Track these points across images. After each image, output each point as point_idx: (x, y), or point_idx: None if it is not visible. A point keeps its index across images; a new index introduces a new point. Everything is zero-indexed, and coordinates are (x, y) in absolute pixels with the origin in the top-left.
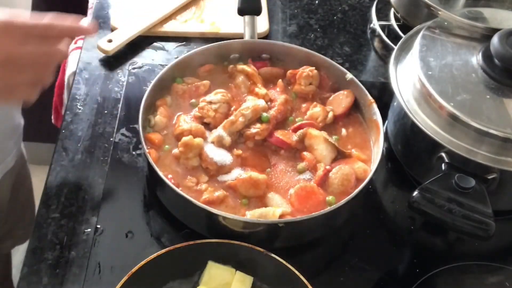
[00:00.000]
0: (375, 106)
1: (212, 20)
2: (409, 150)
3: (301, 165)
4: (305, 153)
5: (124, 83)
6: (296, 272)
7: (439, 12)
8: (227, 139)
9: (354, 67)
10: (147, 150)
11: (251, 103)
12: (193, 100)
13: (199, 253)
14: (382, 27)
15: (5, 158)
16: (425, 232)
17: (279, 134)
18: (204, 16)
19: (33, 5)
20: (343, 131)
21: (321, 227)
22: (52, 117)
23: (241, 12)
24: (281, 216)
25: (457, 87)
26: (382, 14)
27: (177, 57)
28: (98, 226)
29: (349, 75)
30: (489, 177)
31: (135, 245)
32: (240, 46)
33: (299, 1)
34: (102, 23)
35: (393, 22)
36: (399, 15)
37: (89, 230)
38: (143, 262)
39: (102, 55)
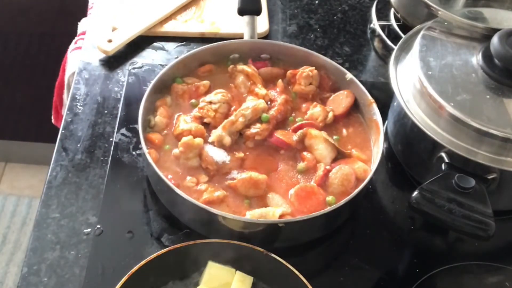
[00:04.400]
0: (375, 106)
1: (212, 20)
2: (409, 150)
3: (301, 165)
4: (305, 153)
5: (124, 83)
6: (296, 272)
7: (439, 12)
8: (227, 139)
9: (354, 67)
10: (147, 150)
11: (251, 103)
12: (193, 100)
13: (199, 253)
14: (382, 27)
15: None
16: (425, 232)
17: (279, 134)
18: (204, 16)
19: (33, 5)
20: (343, 131)
21: (321, 227)
22: (52, 117)
23: (241, 12)
24: (281, 216)
25: (457, 87)
26: (382, 14)
27: (177, 57)
28: (98, 226)
29: (349, 75)
30: (489, 177)
31: (135, 245)
32: (240, 46)
33: (299, 1)
34: (102, 23)
35: (393, 22)
36: (399, 15)
37: (89, 230)
38: (143, 262)
39: (102, 55)
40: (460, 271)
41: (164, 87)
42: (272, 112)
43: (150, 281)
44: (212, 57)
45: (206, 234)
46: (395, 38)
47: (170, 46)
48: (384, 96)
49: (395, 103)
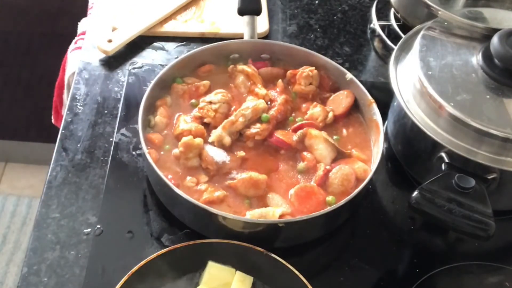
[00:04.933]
0: (375, 106)
1: (212, 20)
2: (409, 150)
3: (301, 165)
4: (305, 153)
5: (124, 83)
6: (296, 272)
7: (439, 12)
8: (227, 139)
9: (354, 67)
10: (147, 150)
11: (251, 103)
12: (193, 100)
13: (199, 253)
14: (382, 27)
15: None
16: (425, 232)
17: (279, 134)
18: (204, 16)
19: (33, 5)
20: (343, 131)
21: (321, 227)
22: (52, 117)
23: (241, 12)
24: (281, 216)
25: (457, 87)
26: (382, 14)
27: (177, 57)
28: (98, 226)
29: (349, 75)
30: (489, 177)
31: (135, 245)
32: (240, 46)
33: (299, 1)
34: (102, 23)
35: (393, 22)
36: (399, 15)
37: (89, 230)
38: (143, 262)
39: (102, 55)
40: (460, 271)
41: (164, 87)
42: (272, 112)
43: (150, 281)
44: (212, 57)
45: (206, 234)
46: (395, 38)
47: (170, 46)
48: (384, 96)
49: (395, 103)
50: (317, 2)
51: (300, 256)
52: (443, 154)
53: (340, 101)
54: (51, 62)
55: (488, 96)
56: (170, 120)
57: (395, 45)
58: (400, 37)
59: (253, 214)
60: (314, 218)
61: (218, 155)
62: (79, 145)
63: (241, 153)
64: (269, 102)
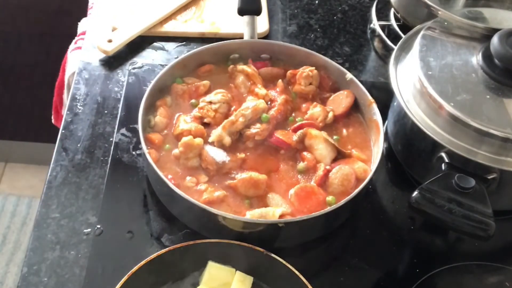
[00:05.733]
0: (375, 106)
1: (212, 20)
2: (409, 150)
3: (301, 165)
4: (305, 153)
5: (124, 83)
6: (296, 272)
7: (439, 12)
8: (227, 139)
9: (354, 67)
10: (147, 150)
11: (251, 103)
12: (193, 100)
13: (199, 253)
14: (382, 27)
15: None
16: (425, 232)
17: (279, 134)
18: (204, 16)
19: (33, 5)
20: (343, 131)
21: (321, 227)
22: (52, 117)
23: (241, 12)
24: (281, 216)
25: (457, 87)
26: (382, 14)
27: (177, 57)
28: (98, 226)
29: (349, 75)
30: (489, 177)
31: (135, 245)
32: (240, 46)
33: (299, 1)
34: (102, 23)
35: (393, 22)
36: (399, 15)
37: (89, 230)
38: (143, 262)
39: (102, 55)
40: (460, 271)
41: (164, 87)
42: (272, 112)
43: (150, 281)
44: (212, 57)
45: (206, 234)
46: (395, 38)
47: (170, 46)
48: (384, 96)
49: (395, 103)
50: (317, 2)
51: (300, 256)
52: (443, 154)
53: (340, 101)
54: (51, 62)
55: (488, 96)
56: (170, 120)
57: (395, 45)
58: (400, 37)
59: (253, 214)
60: (314, 218)
61: (218, 155)
62: (79, 145)
63: (241, 155)
64: (269, 102)
